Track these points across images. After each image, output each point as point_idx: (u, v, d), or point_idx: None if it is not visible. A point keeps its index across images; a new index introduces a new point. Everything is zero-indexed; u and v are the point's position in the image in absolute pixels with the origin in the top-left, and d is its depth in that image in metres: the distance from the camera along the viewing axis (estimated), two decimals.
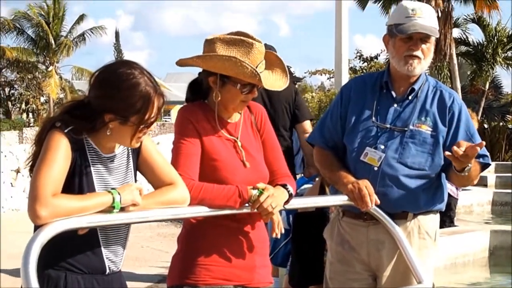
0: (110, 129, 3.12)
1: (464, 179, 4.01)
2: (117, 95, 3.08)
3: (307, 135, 5.01)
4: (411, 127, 4.05)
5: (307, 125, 6.46)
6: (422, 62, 4.06)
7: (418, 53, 4.03)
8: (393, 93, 4.14)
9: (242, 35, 3.63)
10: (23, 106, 51.34)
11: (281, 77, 3.75)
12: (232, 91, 3.62)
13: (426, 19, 4.03)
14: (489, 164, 4.15)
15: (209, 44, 3.63)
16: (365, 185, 3.90)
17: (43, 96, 50.72)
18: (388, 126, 4.07)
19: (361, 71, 35.40)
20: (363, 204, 3.89)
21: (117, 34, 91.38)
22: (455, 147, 3.73)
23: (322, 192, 5.39)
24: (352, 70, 34.54)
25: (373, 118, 4.09)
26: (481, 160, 4.06)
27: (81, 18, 50.49)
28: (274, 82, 3.71)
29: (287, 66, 3.84)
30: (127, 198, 3.05)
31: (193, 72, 3.78)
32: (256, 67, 3.56)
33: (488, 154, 4.14)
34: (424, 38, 4.03)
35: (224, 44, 3.60)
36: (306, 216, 5.31)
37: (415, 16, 4.02)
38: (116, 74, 3.12)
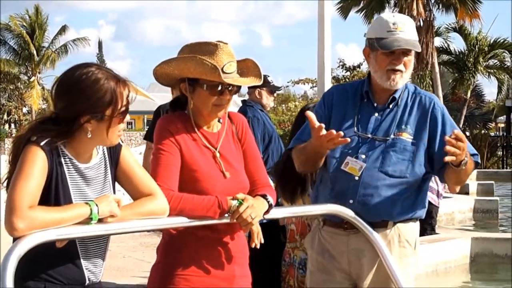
0: (89, 131, 3.12)
1: (462, 174, 3.96)
2: (84, 96, 3.09)
3: None
4: (392, 136, 4.06)
5: None
6: (404, 75, 4.07)
7: (400, 67, 4.04)
8: (374, 103, 4.15)
9: (208, 40, 3.65)
10: (5, 116, 51.10)
11: (250, 79, 3.75)
12: (202, 95, 3.62)
13: (407, 32, 4.04)
14: (479, 163, 4.15)
15: (179, 52, 3.67)
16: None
17: (25, 107, 50.55)
18: (369, 136, 4.07)
19: (344, 80, 35.41)
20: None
21: (100, 44, 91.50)
22: (447, 138, 3.71)
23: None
24: (335, 79, 34.56)
25: (355, 128, 4.09)
26: (472, 158, 4.06)
27: (63, 29, 50.45)
28: (239, 79, 3.70)
29: (265, 75, 3.84)
30: (104, 210, 3.03)
31: None
32: (222, 67, 3.56)
33: (475, 152, 4.11)
34: (406, 51, 4.04)
35: (190, 48, 3.64)
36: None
37: (397, 30, 4.02)
38: (75, 77, 3.13)
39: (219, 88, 3.60)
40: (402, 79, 4.08)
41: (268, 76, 7.09)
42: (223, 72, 3.55)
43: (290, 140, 5.11)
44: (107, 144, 3.23)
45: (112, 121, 3.13)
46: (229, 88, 3.64)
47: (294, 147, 4.25)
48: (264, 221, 3.70)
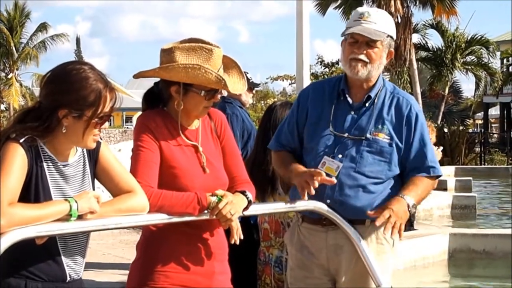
0: (65, 126, 3.12)
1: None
2: (69, 88, 3.10)
3: None
4: (368, 135, 4.06)
5: None
6: (368, 66, 4.07)
7: (361, 56, 4.05)
8: (350, 100, 4.16)
9: (198, 41, 3.64)
10: None
11: (238, 79, 3.79)
12: (195, 98, 3.64)
13: (372, 23, 4.05)
14: (441, 175, 4.20)
15: (168, 53, 3.63)
16: (314, 176, 3.88)
17: (3, 104, 50.25)
18: (345, 135, 4.08)
19: (322, 76, 35.47)
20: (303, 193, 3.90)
21: (78, 40, 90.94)
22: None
23: None
24: (314, 75, 34.62)
25: (331, 128, 4.10)
26: (431, 173, 4.13)
27: (44, 27, 50.20)
28: (234, 85, 3.74)
29: (244, 72, 3.87)
30: (84, 206, 3.05)
31: (156, 79, 3.78)
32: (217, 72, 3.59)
33: (436, 165, 4.17)
34: (370, 42, 4.05)
35: (183, 52, 3.61)
36: None
37: (361, 19, 4.06)
38: (66, 70, 3.16)
39: (214, 92, 3.65)
40: (365, 70, 4.07)
41: (247, 73, 7.10)
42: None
43: (258, 139, 5.18)
44: (82, 145, 3.22)
45: (90, 123, 3.13)
46: (219, 91, 3.71)
47: (277, 151, 4.33)
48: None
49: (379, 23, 4.08)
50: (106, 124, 3.23)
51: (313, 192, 3.86)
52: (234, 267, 3.96)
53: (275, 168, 4.38)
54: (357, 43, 4.06)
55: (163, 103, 3.75)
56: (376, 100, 4.14)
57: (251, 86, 7.26)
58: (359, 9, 4.19)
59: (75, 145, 3.23)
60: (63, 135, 3.14)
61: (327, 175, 3.99)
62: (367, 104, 4.14)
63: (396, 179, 4.14)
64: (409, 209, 3.97)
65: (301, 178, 3.94)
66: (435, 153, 4.24)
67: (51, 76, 3.17)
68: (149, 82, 3.82)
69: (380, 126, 4.09)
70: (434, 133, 9.94)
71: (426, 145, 4.13)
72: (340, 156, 4.05)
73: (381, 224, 3.87)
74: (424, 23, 35.48)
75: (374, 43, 4.06)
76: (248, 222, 5.11)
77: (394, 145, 4.08)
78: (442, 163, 12.29)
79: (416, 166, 4.11)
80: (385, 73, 33.83)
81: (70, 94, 3.09)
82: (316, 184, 3.85)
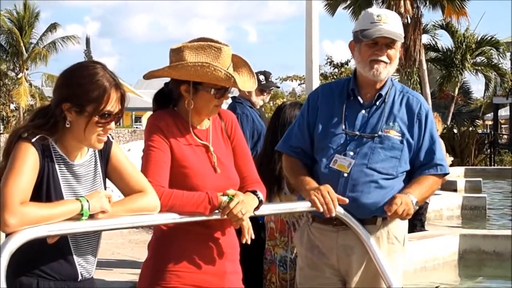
0: (69, 121, 3.12)
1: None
2: (74, 82, 3.12)
3: None
4: (379, 132, 4.08)
5: None
6: (388, 67, 4.10)
7: (383, 58, 4.07)
8: (361, 100, 4.17)
9: (207, 40, 3.65)
10: None
11: (248, 78, 3.79)
12: (205, 97, 3.64)
13: (391, 24, 4.07)
14: (448, 173, 4.21)
15: (177, 53, 3.64)
16: (327, 191, 3.91)
17: (12, 103, 50.35)
18: (357, 133, 4.10)
19: (331, 77, 35.46)
20: (327, 211, 3.90)
21: (87, 41, 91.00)
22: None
23: None
24: (323, 76, 34.58)
25: (342, 126, 4.11)
26: (438, 171, 4.14)
27: (54, 27, 50.29)
28: (244, 83, 3.74)
29: (256, 73, 3.86)
30: (95, 206, 3.05)
31: (165, 79, 3.79)
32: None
33: (444, 163, 4.20)
34: (389, 43, 4.07)
35: (192, 51, 3.62)
36: None
37: (380, 21, 4.07)
38: (78, 66, 3.19)
39: (225, 91, 3.66)
40: (386, 70, 4.10)
41: (266, 73, 7.13)
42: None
43: (267, 138, 5.20)
44: (86, 144, 3.20)
45: (91, 120, 3.11)
46: (229, 89, 3.70)
47: (288, 157, 4.32)
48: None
49: (395, 24, 4.11)
50: (113, 124, 3.21)
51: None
52: (244, 266, 3.96)
53: (286, 172, 4.39)
54: (377, 45, 4.07)
55: (174, 103, 3.76)
56: (386, 98, 4.16)
57: (262, 88, 7.26)
58: (373, 11, 4.17)
59: (81, 143, 3.21)
60: (68, 131, 3.14)
61: (339, 172, 4.04)
62: (377, 103, 4.16)
63: (406, 176, 4.15)
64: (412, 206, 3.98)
65: (315, 204, 3.91)
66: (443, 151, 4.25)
67: (64, 72, 3.19)
68: (158, 82, 3.82)
69: (391, 124, 4.11)
70: (440, 123, 10.02)
71: (435, 142, 4.16)
72: (351, 153, 4.07)
73: (392, 216, 3.93)
74: (434, 23, 35.43)
75: (394, 44, 4.09)
76: (256, 221, 5.12)
77: (405, 142, 4.10)
78: (451, 164, 12.23)
79: (424, 163, 4.14)
80: (395, 74, 33.78)
81: (74, 88, 3.10)
82: (332, 212, 3.91)
